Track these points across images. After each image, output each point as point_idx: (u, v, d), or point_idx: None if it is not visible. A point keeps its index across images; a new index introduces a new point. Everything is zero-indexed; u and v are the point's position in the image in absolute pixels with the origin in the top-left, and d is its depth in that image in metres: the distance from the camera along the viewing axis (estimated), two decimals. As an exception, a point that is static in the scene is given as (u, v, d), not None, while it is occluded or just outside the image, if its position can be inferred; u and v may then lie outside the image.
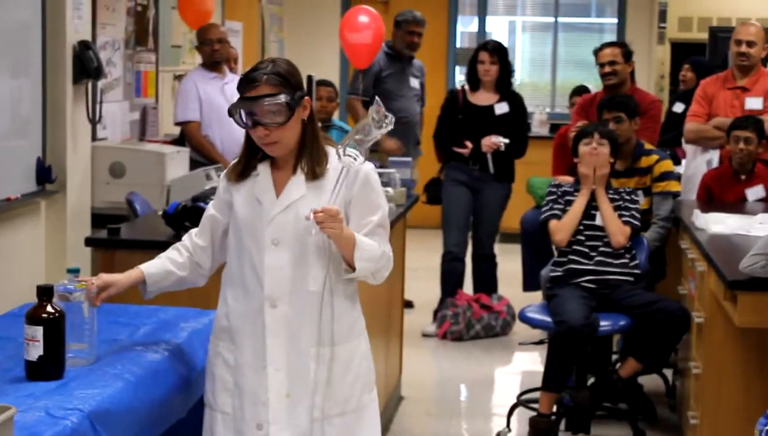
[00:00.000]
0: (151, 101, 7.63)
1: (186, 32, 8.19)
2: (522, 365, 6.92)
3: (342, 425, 3.13)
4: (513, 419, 5.45)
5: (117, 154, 6.36)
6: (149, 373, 3.01)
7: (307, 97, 3.08)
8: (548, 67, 12.11)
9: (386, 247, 3.14)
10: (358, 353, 3.18)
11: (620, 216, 5.30)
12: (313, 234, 3.00)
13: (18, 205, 5.32)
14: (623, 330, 5.26)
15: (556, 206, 5.39)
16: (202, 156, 6.72)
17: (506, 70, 7.15)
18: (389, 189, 5.33)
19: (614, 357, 5.79)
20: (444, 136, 7.24)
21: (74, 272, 3.05)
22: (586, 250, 5.27)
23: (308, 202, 3.04)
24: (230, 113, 3.05)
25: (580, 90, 8.12)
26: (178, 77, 7.94)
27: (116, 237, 4.39)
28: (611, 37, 11.32)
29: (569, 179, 5.72)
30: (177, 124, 7.05)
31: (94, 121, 6.03)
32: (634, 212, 5.35)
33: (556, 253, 5.50)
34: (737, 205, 5.73)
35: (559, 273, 5.28)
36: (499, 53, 7.12)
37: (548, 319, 5.18)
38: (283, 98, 3.00)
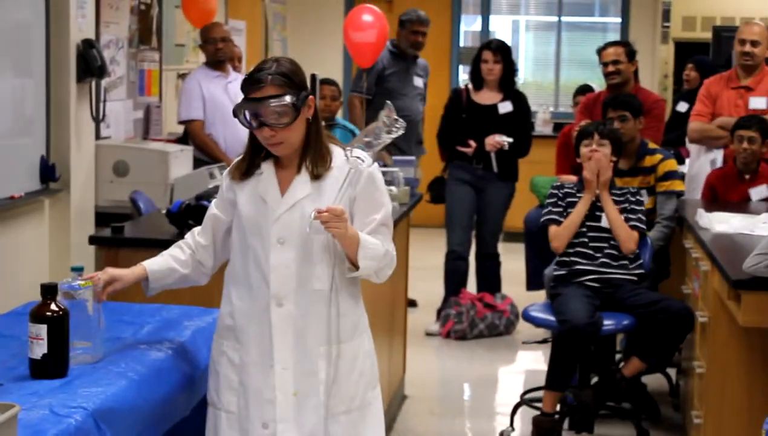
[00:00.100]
0: (155, 100, 7.64)
1: (189, 31, 8.19)
2: (525, 364, 6.92)
3: (348, 422, 3.14)
4: (516, 418, 5.44)
5: (121, 152, 6.37)
6: (153, 371, 3.01)
7: (311, 97, 3.08)
8: (552, 66, 12.10)
9: (389, 245, 3.15)
10: (362, 350, 3.19)
11: (627, 220, 5.28)
12: (307, 232, 3.00)
13: (22, 203, 5.32)
14: (627, 329, 5.26)
15: (555, 210, 5.37)
16: (206, 155, 6.72)
17: (510, 69, 7.15)
18: (393, 188, 5.33)
19: (618, 356, 5.78)
20: (447, 136, 7.23)
21: (78, 270, 3.06)
22: (591, 251, 5.26)
23: (313, 200, 3.05)
24: (235, 114, 3.05)
25: (584, 89, 8.10)
26: (182, 76, 7.95)
27: (120, 236, 4.39)
28: (615, 36, 11.32)
29: (572, 178, 5.71)
30: (180, 122, 7.05)
31: (97, 119, 6.03)
32: (640, 216, 5.32)
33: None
34: (741, 205, 5.73)
35: (562, 272, 5.28)
36: (503, 52, 7.11)
37: (552, 318, 5.17)
38: (288, 99, 3.00)
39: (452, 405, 6.05)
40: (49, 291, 2.84)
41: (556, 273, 5.31)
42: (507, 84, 7.15)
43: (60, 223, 5.65)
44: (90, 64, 5.72)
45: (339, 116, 7.84)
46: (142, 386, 2.91)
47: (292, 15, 11.20)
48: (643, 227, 5.34)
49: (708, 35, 11.06)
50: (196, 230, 3.29)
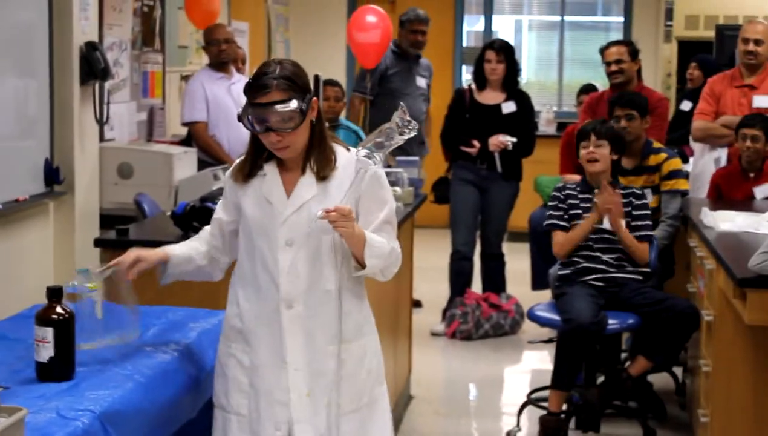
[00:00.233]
0: (158, 102, 7.64)
1: (193, 32, 8.19)
2: (531, 364, 6.91)
3: (358, 419, 3.16)
4: (523, 417, 5.44)
5: (125, 154, 6.37)
6: (159, 373, 3.01)
7: (314, 98, 3.08)
8: (555, 65, 12.10)
9: (394, 243, 3.16)
10: (369, 348, 3.21)
11: (635, 228, 5.24)
12: (311, 227, 3.00)
13: (26, 206, 5.32)
14: (632, 329, 5.25)
15: (557, 214, 5.35)
16: (210, 156, 6.72)
17: (513, 69, 7.14)
18: (397, 188, 5.33)
19: (624, 355, 5.78)
20: (451, 136, 7.23)
21: (84, 272, 3.06)
22: (595, 253, 5.25)
23: (319, 202, 3.05)
24: (239, 118, 3.05)
25: (588, 88, 8.11)
26: (185, 78, 7.95)
27: (125, 238, 4.39)
28: (618, 35, 11.31)
29: (576, 178, 5.70)
30: (184, 124, 7.05)
31: (101, 122, 6.03)
32: (648, 222, 5.29)
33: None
34: (746, 203, 5.72)
35: (567, 272, 5.27)
36: (506, 52, 7.11)
37: (557, 317, 5.16)
38: (295, 104, 2.99)
39: (458, 405, 6.04)
40: (54, 294, 2.84)
41: (560, 273, 5.31)
42: (510, 84, 7.15)
43: (64, 225, 5.65)
44: (93, 67, 5.73)
45: (343, 117, 7.84)
46: (149, 388, 2.91)
47: (295, 16, 11.20)
48: (652, 233, 5.33)
49: (711, 34, 11.05)
50: (208, 228, 3.30)
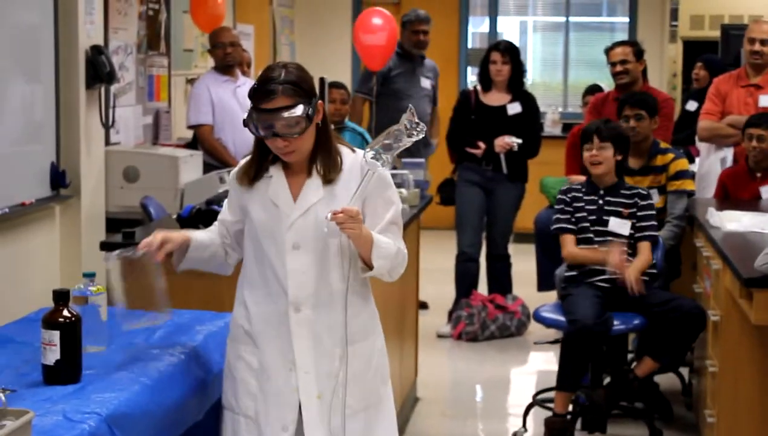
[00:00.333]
0: (164, 105, 7.65)
1: (198, 36, 8.21)
2: (537, 365, 6.91)
3: (364, 419, 3.17)
4: (529, 419, 5.44)
5: (130, 158, 6.37)
6: (165, 376, 3.02)
7: (320, 101, 3.08)
8: (560, 66, 12.10)
9: (401, 244, 3.16)
10: (375, 348, 3.23)
11: (639, 229, 5.24)
12: (325, 232, 3.00)
13: (32, 210, 5.33)
14: (637, 329, 5.25)
15: (563, 217, 5.34)
16: (215, 159, 6.73)
17: (518, 70, 7.14)
18: (403, 190, 5.32)
19: (630, 356, 5.77)
20: (457, 137, 7.23)
21: (90, 276, 3.07)
22: (601, 255, 5.25)
23: (326, 204, 3.06)
24: (245, 124, 3.05)
25: (593, 89, 8.10)
26: (191, 81, 7.96)
27: (131, 241, 4.39)
28: (623, 36, 11.30)
29: (582, 179, 5.69)
30: (190, 127, 7.06)
31: (107, 125, 6.04)
32: (653, 223, 5.28)
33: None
34: (752, 203, 5.71)
35: (573, 273, 5.27)
36: (511, 53, 7.11)
37: (562, 318, 5.16)
38: (301, 110, 2.99)
39: (464, 407, 6.04)
40: (61, 297, 2.85)
41: (567, 274, 5.30)
42: (515, 85, 7.15)
43: (71, 229, 5.65)
44: (99, 71, 5.73)
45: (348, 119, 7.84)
46: (155, 390, 2.92)
47: (300, 19, 11.21)
48: (656, 233, 5.32)
49: (716, 34, 11.05)
50: (215, 225, 3.31)
